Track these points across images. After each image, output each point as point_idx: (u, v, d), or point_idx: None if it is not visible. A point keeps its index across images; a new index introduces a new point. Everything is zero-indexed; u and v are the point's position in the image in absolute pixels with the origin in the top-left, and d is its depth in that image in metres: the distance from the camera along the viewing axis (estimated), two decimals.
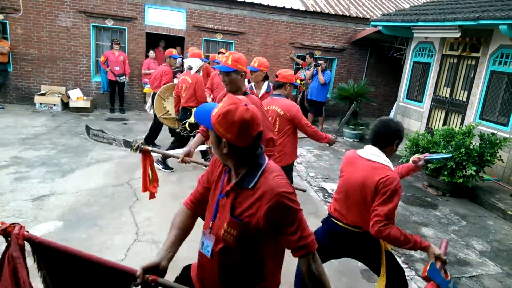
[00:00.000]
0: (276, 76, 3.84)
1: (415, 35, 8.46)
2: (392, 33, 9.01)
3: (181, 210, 1.73)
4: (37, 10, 8.86)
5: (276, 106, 3.79)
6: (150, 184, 3.35)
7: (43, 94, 9.08)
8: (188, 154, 3.30)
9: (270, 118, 3.78)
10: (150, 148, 3.31)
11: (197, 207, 1.72)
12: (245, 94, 3.09)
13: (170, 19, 9.61)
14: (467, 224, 4.96)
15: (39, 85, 9.30)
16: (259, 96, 4.32)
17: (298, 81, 10.16)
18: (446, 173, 5.63)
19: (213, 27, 9.84)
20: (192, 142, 3.46)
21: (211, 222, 1.56)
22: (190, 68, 5.67)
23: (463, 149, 5.41)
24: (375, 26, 9.20)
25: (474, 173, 5.38)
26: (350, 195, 2.40)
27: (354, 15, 10.68)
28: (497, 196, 5.70)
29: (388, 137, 2.36)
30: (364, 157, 2.39)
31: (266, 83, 4.42)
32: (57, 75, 9.37)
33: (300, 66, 10.31)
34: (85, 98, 9.30)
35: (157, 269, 1.42)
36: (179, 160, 3.31)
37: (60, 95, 9.11)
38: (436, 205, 5.56)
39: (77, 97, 9.19)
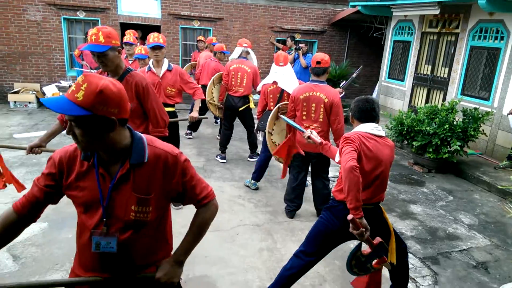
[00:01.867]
0: (318, 63, 3.76)
1: (394, 13, 8.43)
2: (371, 13, 8.96)
3: (6, 214, 1.53)
4: (4, 4, 8.46)
5: (321, 93, 3.75)
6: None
7: (17, 92, 8.73)
8: (39, 146, 2.94)
9: (313, 105, 3.75)
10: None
11: (29, 211, 1.54)
12: (128, 71, 2.84)
13: (145, 8, 9.33)
14: (454, 199, 5.02)
15: (11, 83, 8.94)
16: (161, 74, 4.12)
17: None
18: (431, 150, 5.67)
19: (189, 14, 9.59)
20: (46, 132, 3.05)
21: (103, 220, 1.44)
22: (242, 57, 5.72)
23: (447, 125, 5.45)
24: (354, 6, 9.13)
25: (458, 148, 5.44)
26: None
27: None
28: (481, 169, 5.79)
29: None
30: (379, 135, 2.48)
31: (166, 61, 4.18)
32: (30, 72, 9.02)
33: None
34: (61, 94, 8.99)
35: None
36: (26, 152, 2.95)
37: (34, 92, 8.79)
38: (423, 182, 5.61)
39: (52, 93, 8.87)
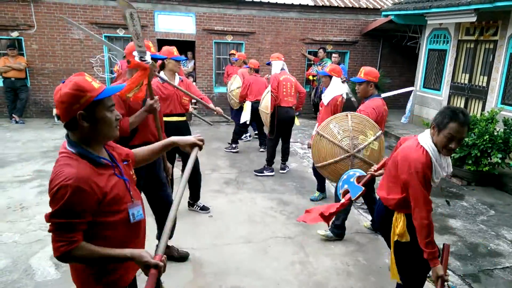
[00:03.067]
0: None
1: (428, 22, 8.27)
2: (405, 22, 8.83)
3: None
4: (50, 25, 9.04)
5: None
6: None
7: None
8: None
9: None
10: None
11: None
12: None
13: (180, 24, 9.66)
14: (495, 213, 4.81)
15: None
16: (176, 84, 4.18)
17: (311, 77, 10.09)
18: (470, 162, 5.47)
19: (222, 29, 9.84)
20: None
21: (130, 193, 1.69)
22: (282, 69, 5.94)
23: (487, 136, 5.25)
24: (386, 16, 9.04)
25: (499, 160, 5.22)
26: None
27: (364, 6, 10.52)
28: None
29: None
30: None
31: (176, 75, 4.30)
32: None
33: (312, 62, 10.21)
34: None
35: None
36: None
37: None
38: (462, 195, 5.41)
39: None
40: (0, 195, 4.85)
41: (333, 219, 3.70)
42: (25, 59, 8.95)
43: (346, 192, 2.82)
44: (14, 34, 8.91)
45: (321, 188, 5.05)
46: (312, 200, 5.00)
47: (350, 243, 3.94)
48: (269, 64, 6.13)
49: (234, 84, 7.44)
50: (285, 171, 6.05)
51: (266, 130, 6.21)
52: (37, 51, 9.13)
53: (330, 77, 4.72)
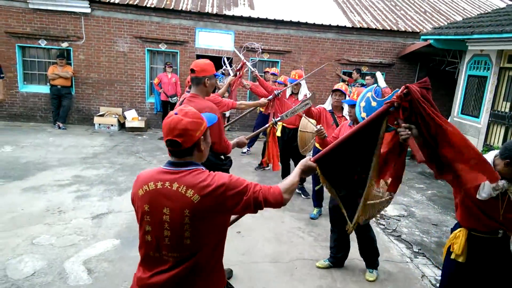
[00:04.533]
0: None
1: (469, 48, 8.11)
2: (444, 47, 8.69)
3: None
4: (98, 37, 9.56)
5: None
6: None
7: (102, 115, 9.70)
8: None
9: None
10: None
11: None
12: None
13: (219, 41, 9.97)
14: None
15: (98, 107, 9.96)
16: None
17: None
18: None
19: (260, 47, 10.04)
20: None
21: None
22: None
23: None
24: (425, 40, 8.94)
25: None
26: None
27: (403, 29, 10.45)
28: None
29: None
30: None
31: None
32: (115, 97, 9.99)
33: (347, 83, 10.20)
34: (139, 118, 9.82)
35: None
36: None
37: (117, 116, 9.69)
38: None
39: (132, 118, 9.73)
40: (40, 198, 5.12)
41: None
42: (72, 69, 9.49)
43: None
44: (64, 45, 9.49)
45: (319, 204, 5.22)
46: (312, 218, 5.11)
47: (379, 271, 3.88)
48: (295, 83, 5.68)
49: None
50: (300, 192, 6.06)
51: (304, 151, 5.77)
52: (84, 61, 9.66)
53: (345, 95, 4.61)
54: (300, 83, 5.76)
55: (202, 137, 1.72)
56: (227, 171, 3.30)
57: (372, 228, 3.75)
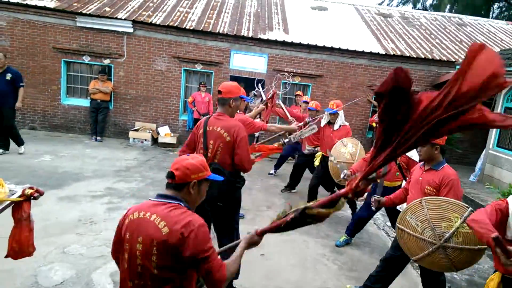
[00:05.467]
0: None
1: (507, 79, 7.90)
2: None
3: None
4: (138, 56, 10.03)
5: None
6: None
7: (137, 130, 10.07)
8: None
9: None
10: None
11: None
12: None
13: (253, 63, 10.22)
14: None
15: (133, 122, 10.35)
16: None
17: (374, 124, 9.99)
18: None
19: (292, 70, 10.21)
20: None
21: None
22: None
23: None
24: None
25: None
26: None
27: (438, 58, 10.35)
28: None
29: None
30: None
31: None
32: (150, 113, 10.36)
33: (377, 109, 10.13)
34: (172, 134, 10.12)
35: None
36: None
37: (151, 131, 10.03)
38: None
39: (165, 134, 10.04)
40: (73, 208, 5.29)
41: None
42: (112, 84, 9.96)
43: None
44: (106, 62, 10.00)
45: (352, 233, 5.06)
46: (337, 245, 5.02)
47: None
48: (335, 113, 5.74)
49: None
50: None
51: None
52: (123, 78, 10.12)
53: None
54: (338, 113, 5.79)
55: (196, 181, 1.89)
56: (240, 189, 3.36)
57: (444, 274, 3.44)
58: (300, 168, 7.09)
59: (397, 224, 3.12)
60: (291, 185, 7.21)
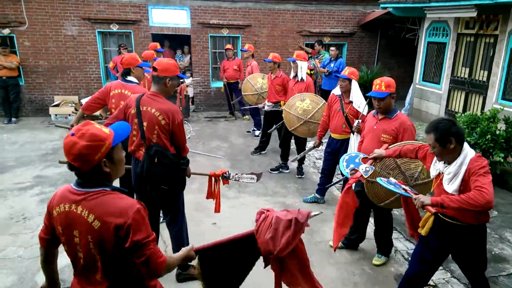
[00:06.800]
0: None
1: (428, 15, 8.17)
2: (403, 14, 8.73)
3: None
4: (42, 21, 8.83)
5: None
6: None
7: (57, 105, 9.11)
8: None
9: None
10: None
11: None
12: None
13: (175, 18, 9.48)
14: (498, 214, 4.83)
15: (52, 96, 9.33)
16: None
17: (308, 71, 9.97)
18: None
19: (218, 22, 9.67)
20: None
21: None
22: None
23: (489, 136, 5.25)
24: (384, 8, 8.92)
25: (502, 159, 5.23)
26: None
27: None
28: None
29: None
30: None
31: None
32: (69, 85, 9.38)
33: (310, 55, 10.08)
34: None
35: None
36: None
37: (73, 105, 9.14)
38: None
39: None
40: (0, 205, 4.77)
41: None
42: (17, 58, 8.76)
43: (353, 171, 3.16)
44: (6, 32, 8.71)
45: (323, 192, 5.05)
46: (304, 201, 5.06)
47: (355, 250, 3.95)
48: (293, 61, 5.78)
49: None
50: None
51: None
52: (30, 48, 8.95)
53: (350, 80, 4.40)
54: (297, 63, 5.75)
55: (104, 159, 1.59)
56: (185, 170, 3.20)
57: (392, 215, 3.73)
58: (266, 129, 6.79)
59: (367, 179, 3.18)
60: (262, 147, 7.03)
